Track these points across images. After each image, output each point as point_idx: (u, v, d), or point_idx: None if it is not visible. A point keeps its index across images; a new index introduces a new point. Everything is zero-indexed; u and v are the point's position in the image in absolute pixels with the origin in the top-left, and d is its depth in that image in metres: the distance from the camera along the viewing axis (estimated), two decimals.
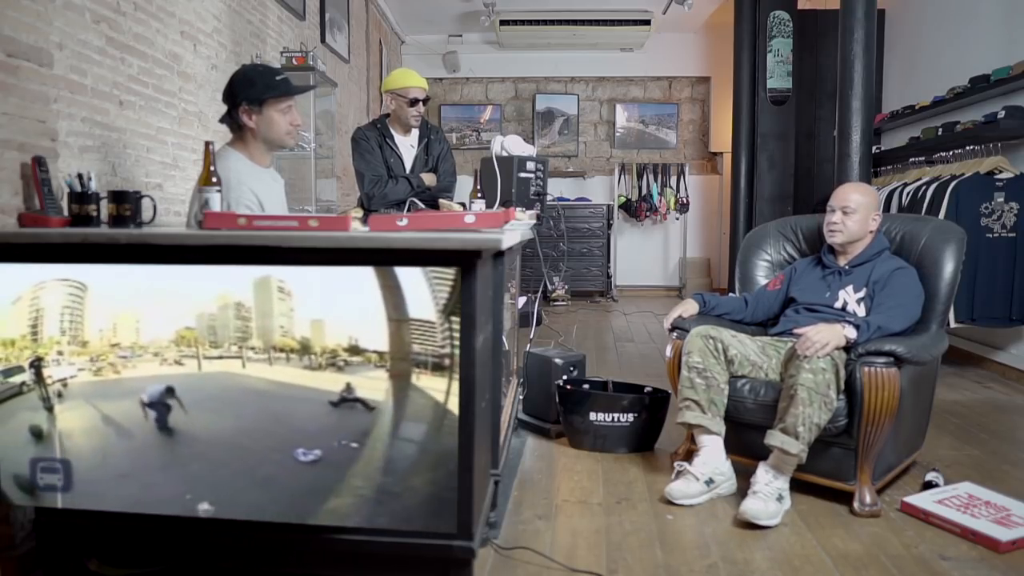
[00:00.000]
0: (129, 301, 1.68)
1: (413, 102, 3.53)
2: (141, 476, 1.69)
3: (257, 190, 2.37)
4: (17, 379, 1.70)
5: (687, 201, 8.29)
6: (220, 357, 1.66)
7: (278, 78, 2.39)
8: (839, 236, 2.67)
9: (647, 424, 2.94)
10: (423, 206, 3.33)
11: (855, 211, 2.64)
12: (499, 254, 2.05)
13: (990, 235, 4.10)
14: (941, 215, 4.09)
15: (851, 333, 2.35)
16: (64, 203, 1.97)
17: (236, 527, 1.71)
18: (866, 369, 2.30)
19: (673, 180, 8.35)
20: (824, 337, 2.32)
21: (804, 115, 6.51)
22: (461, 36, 8.30)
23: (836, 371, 2.32)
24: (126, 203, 1.89)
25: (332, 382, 1.64)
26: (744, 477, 2.42)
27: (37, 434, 1.70)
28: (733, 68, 6.71)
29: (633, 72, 8.48)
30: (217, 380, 1.67)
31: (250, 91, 2.34)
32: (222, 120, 2.42)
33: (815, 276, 2.75)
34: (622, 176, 8.42)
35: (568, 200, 8.03)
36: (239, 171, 2.34)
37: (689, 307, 2.78)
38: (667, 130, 8.56)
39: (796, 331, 2.44)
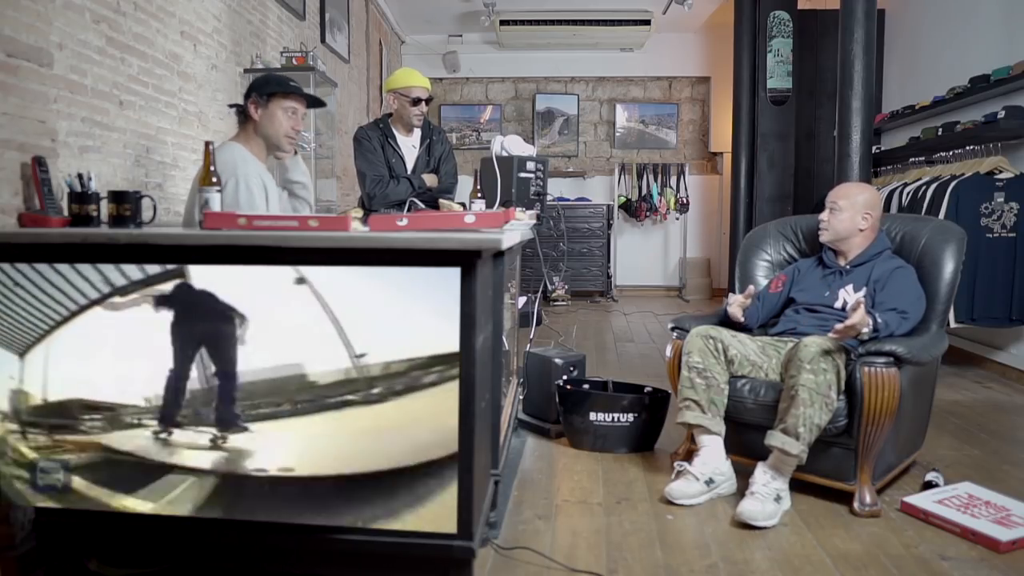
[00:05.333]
0: None
1: (415, 101, 3.54)
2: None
3: (263, 177, 2.46)
4: None
5: (687, 201, 8.29)
6: None
7: (292, 83, 2.52)
8: (824, 235, 2.71)
9: (647, 424, 2.94)
10: (423, 206, 3.33)
11: (842, 209, 2.66)
12: (499, 254, 2.05)
13: (990, 235, 4.10)
14: (941, 215, 4.09)
15: (868, 328, 2.29)
16: (64, 203, 1.97)
17: (236, 527, 1.71)
18: (866, 369, 2.30)
19: (673, 180, 8.35)
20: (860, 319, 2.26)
21: (804, 115, 6.51)
22: (461, 36, 8.30)
23: (837, 372, 2.32)
24: (126, 203, 1.89)
25: None
26: (744, 477, 2.41)
27: None
28: (733, 68, 6.71)
29: (633, 72, 8.48)
30: None
31: (263, 86, 2.48)
32: (232, 105, 2.56)
33: (815, 276, 2.75)
34: (622, 176, 8.42)
35: (568, 200, 8.03)
36: (244, 158, 2.44)
37: (736, 311, 2.71)
38: (667, 130, 8.56)
39: (836, 328, 2.34)
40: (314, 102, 2.63)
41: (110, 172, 2.50)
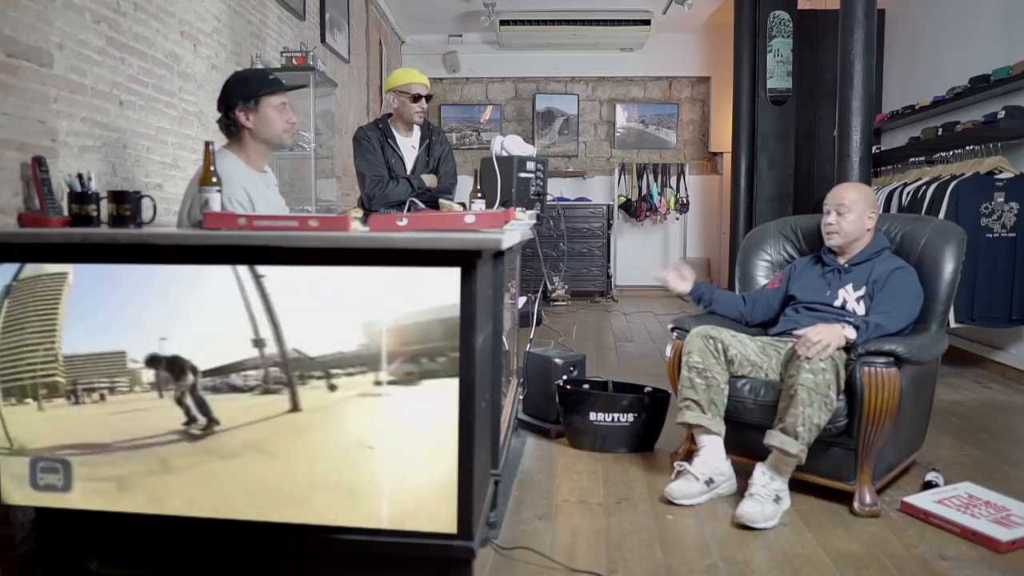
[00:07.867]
0: None
1: (416, 98, 3.54)
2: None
3: (249, 190, 2.38)
4: None
5: (687, 201, 8.29)
6: None
7: (271, 77, 2.44)
8: (836, 238, 2.67)
9: (647, 424, 2.94)
10: (423, 206, 3.33)
11: (850, 210, 2.64)
12: (499, 254, 2.05)
13: (990, 235, 4.10)
14: (941, 215, 4.09)
15: (851, 333, 2.35)
16: (64, 203, 1.97)
17: (236, 527, 1.71)
18: (866, 369, 2.30)
19: (673, 180, 8.35)
20: (825, 338, 2.32)
21: (804, 115, 6.51)
22: (461, 36, 8.30)
23: (836, 371, 2.32)
24: (126, 203, 1.89)
25: None
26: (744, 477, 2.41)
27: None
28: (733, 68, 6.71)
29: (633, 72, 8.48)
30: None
31: (245, 90, 2.37)
32: (219, 122, 2.43)
33: (815, 274, 2.75)
34: (622, 176, 8.42)
35: (568, 200, 8.03)
36: (231, 170, 2.35)
37: (681, 286, 2.86)
38: (667, 130, 8.56)
39: (796, 332, 2.44)
40: (295, 86, 2.56)
41: (110, 172, 2.50)
